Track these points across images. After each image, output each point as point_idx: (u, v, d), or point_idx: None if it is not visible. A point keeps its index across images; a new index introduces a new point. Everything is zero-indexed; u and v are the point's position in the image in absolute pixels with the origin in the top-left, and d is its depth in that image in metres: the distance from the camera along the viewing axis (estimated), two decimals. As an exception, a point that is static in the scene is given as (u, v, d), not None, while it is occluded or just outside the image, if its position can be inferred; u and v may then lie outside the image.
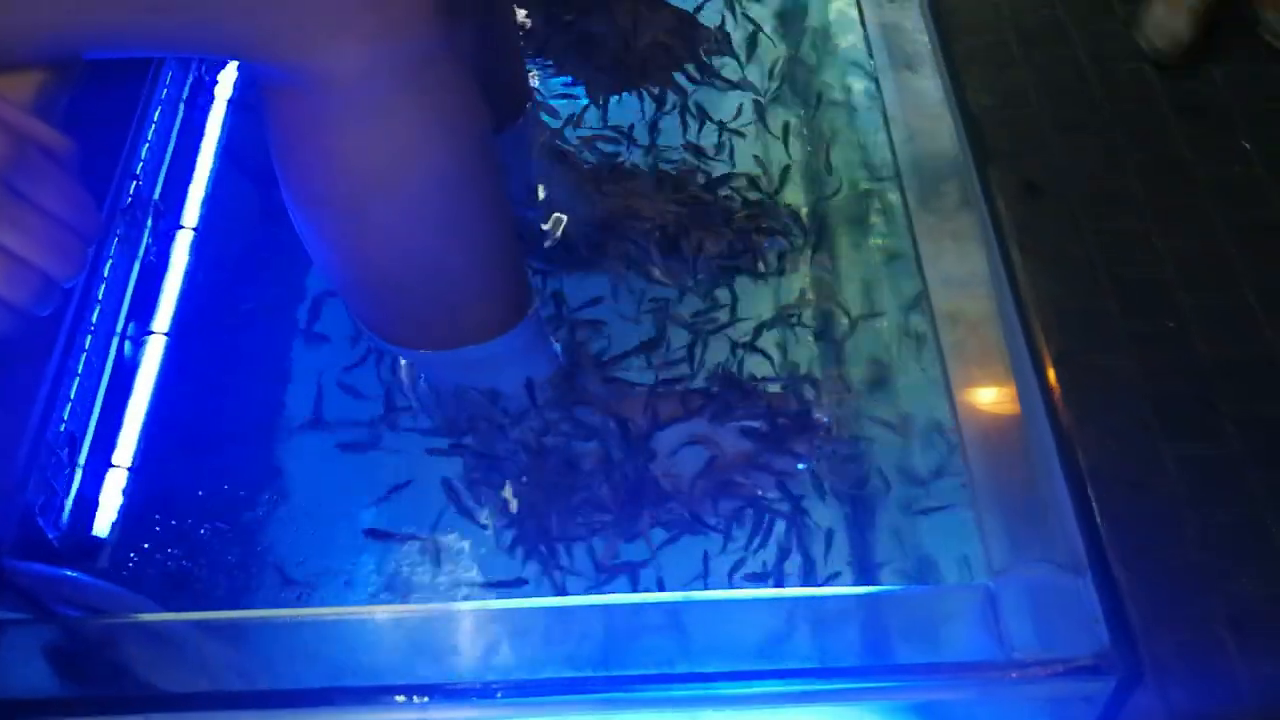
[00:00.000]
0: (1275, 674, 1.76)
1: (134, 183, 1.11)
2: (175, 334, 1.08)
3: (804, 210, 1.34)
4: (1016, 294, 0.85)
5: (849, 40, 1.22)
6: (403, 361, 1.11)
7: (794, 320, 1.24)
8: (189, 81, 1.26)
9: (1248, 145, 2.44)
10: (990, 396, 0.84)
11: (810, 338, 1.24)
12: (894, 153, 1.03)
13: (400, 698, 0.69)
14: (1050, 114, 2.48)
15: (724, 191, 1.34)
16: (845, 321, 1.20)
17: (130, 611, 0.77)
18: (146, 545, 0.99)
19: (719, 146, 1.39)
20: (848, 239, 1.28)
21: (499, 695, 0.70)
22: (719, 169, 1.37)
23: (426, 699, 0.68)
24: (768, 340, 1.22)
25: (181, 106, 1.24)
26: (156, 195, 1.15)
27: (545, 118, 1.39)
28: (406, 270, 0.97)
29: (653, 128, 1.41)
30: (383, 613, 0.78)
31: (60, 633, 0.75)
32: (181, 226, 1.16)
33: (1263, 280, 2.23)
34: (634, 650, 0.73)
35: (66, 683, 0.72)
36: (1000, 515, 0.77)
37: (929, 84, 1.10)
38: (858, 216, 1.24)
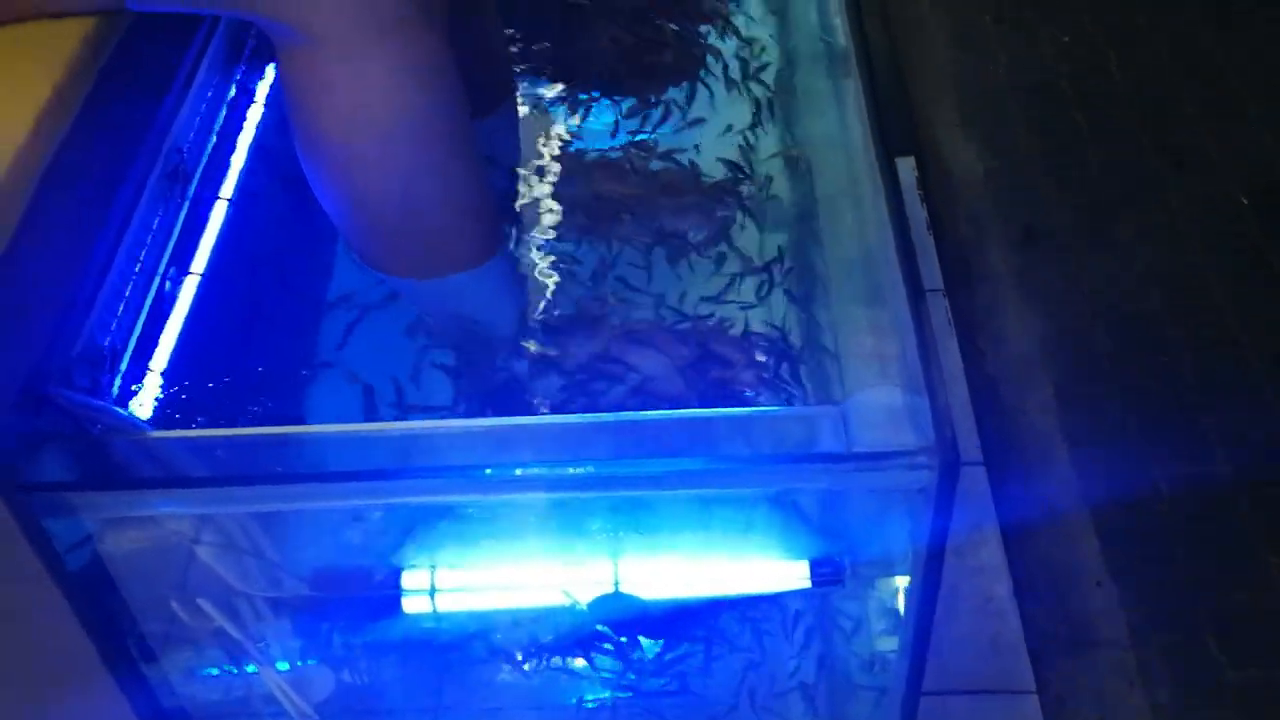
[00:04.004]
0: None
1: (179, 156, 1.32)
2: (208, 276, 1.27)
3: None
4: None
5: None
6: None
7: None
8: (233, 86, 1.48)
9: (1244, 200, 2.60)
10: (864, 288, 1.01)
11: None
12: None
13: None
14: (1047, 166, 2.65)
15: (706, 183, 1.54)
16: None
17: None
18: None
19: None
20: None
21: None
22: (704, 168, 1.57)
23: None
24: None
25: (225, 107, 1.46)
26: (199, 171, 1.36)
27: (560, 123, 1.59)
28: (386, 205, 1.15)
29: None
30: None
31: (89, 443, 0.94)
32: (219, 197, 1.37)
33: (1247, 308, 2.36)
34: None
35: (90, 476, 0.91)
36: (859, 354, 0.94)
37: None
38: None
